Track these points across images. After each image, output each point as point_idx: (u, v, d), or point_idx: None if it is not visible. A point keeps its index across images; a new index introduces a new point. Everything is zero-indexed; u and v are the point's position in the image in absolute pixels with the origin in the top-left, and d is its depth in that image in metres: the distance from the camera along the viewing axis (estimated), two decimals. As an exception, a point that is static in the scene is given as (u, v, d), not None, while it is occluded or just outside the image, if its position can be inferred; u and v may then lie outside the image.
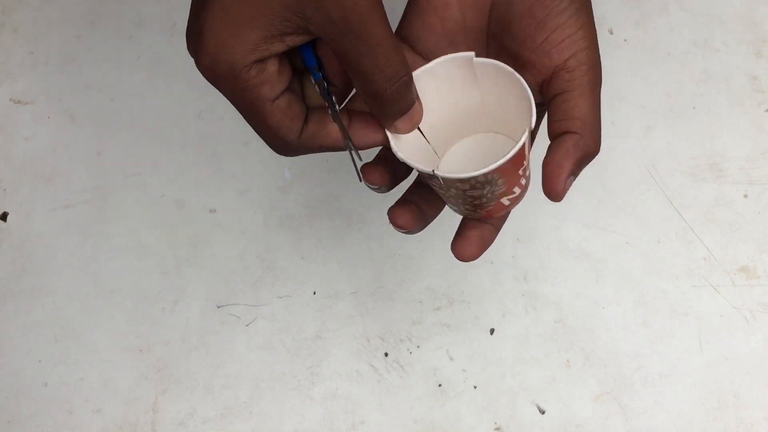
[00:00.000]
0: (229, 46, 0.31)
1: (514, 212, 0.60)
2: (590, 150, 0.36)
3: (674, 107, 0.63)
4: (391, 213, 0.39)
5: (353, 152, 0.36)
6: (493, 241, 0.40)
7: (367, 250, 0.61)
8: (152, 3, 0.67)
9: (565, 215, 0.61)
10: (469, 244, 0.39)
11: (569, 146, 0.35)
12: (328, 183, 0.62)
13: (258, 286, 0.60)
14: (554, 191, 0.35)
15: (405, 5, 0.39)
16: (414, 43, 0.38)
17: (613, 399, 0.58)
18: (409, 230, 0.39)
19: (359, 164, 0.37)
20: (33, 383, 0.59)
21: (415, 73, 0.36)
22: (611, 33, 0.65)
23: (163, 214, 0.62)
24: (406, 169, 0.39)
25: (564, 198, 0.36)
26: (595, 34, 0.36)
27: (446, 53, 0.37)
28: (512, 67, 0.35)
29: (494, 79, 0.36)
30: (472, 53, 0.36)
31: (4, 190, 0.63)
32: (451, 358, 0.59)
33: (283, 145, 0.35)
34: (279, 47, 0.32)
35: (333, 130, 0.35)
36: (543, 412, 0.57)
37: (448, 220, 0.61)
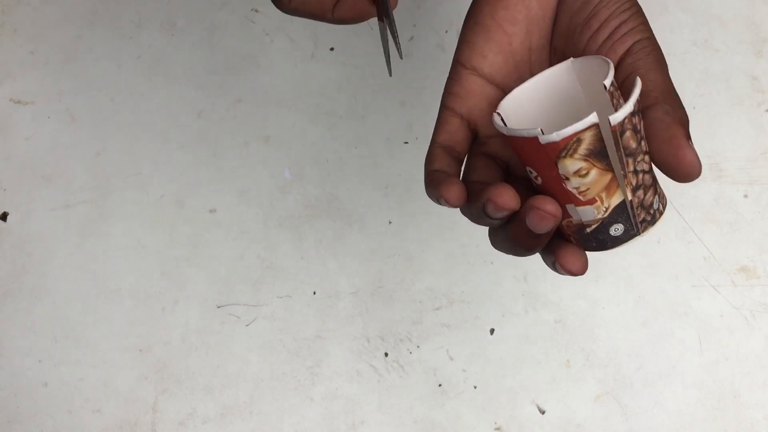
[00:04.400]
0: None
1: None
2: (682, 116, 0.31)
3: (674, 107, 0.63)
4: (494, 193, 0.30)
5: (392, 37, 0.32)
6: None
7: (367, 250, 0.61)
8: (152, 3, 0.67)
9: (565, 215, 0.61)
10: (578, 257, 0.33)
11: (659, 115, 0.30)
12: (328, 183, 0.62)
13: (258, 286, 0.60)
14: (685, 161, 0.29)
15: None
16: (480, 66, 0.36)
17: (613, 399, 0.58)
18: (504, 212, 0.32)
19: (396, 56, 0.33)
20: (33, 383, 0.59)
21: (513, 93, 0.34)
22: (611, 33, 0.65)
23: (163, 214, 0.62)
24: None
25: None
26: (653, 32, 0.34)
27: (512, 75, 0.35)
28: None
29: (595, 74, 0.33)
30: (570, 59, 0.34)
31: (4, 190, 0.63)
32: (451, 358, 0.59)
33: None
34: None
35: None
36: (543, 412, 0.57)
37: (449, 219, 0.62)
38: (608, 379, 0.58)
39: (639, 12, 0.33)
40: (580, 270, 0.32)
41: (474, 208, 0.32)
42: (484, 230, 0.61)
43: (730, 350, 0.58)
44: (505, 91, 0.36)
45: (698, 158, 0.29)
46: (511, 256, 0.60)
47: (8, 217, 0.62)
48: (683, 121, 0.30)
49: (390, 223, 0.61)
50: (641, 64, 0.32)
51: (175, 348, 0.59)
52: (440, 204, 0.33)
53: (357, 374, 0.58)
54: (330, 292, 0.60)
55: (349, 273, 0.60)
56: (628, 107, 0.28)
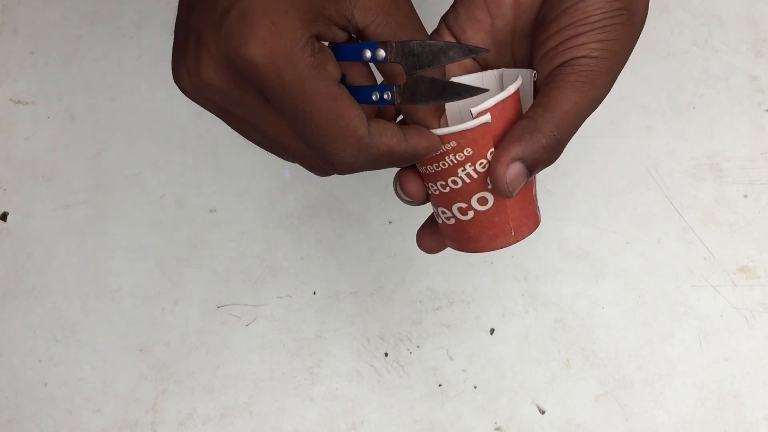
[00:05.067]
0: (284, 22, 0.27)
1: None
2: (535, 142, 0.31)
3: (674, 107, 0.63)
4: (401, 181, 0.35)
5: None
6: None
7: (367, 250, 0.61)
8: (152, 3, 0.67)
9: (565, 215, 0.61)
10: (432, 238, 0.38)
11: (516, 129, 0.32)
12: (328, 183, 0.62)
13: (258, 286, 0.60)
14: (494, 175, 0.32)
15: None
16: (458, 37, 0.36)
17: (613, 399, 0.58)
18: (416, 201, 0.36)
19: None
20: (33, 383, 0.59)
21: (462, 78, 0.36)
22: (611, 33, 0.65)
23: (163, 214, 0.62)
24: None
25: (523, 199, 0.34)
26: (621, 54, 0.33)
27: (492, 54, 0.36)
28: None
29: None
30: (501, 69, 0.36)
31: (4, 190, 0.63)
32: (451, 358, 0.59)
33: (354, 141, 0.29)
34: (327, 28, 0.29)
35: (393, 128, 0.31)
36: (543, 412, 0.57)
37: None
38: (608, 379, 0.58)
39: (611, 26, 0.31)
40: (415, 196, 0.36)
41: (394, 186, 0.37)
42: (484, 230, 0.61)
43: (730, 350, 0.58)
44: (482, 66, 0.37)
45: (507, 182, 0.31)
46: (511, 256, 0.60)
47: (8, 217, 0.62)
48: (527, 148, 0.31)
49: (390, 223, 0.61)
50: (559, 82, 0.32)
51: (175, 348, 0.59)
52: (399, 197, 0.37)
53: (357, 374, 0.58)
54: (330, 292, 0.60)
55: (349, 273, 0.60)
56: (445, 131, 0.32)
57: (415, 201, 0.36)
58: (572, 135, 0.32)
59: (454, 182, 0.33)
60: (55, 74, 0.65)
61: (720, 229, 0.61)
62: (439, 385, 0.58)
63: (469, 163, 0.33)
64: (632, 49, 0.33)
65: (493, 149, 0.32)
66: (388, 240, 0.61)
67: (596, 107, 0.33)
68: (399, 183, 0.35)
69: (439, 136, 0.32)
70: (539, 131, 0.31)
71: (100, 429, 0.58)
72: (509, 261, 0.60)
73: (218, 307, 0.60)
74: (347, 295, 0.60)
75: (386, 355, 0.59)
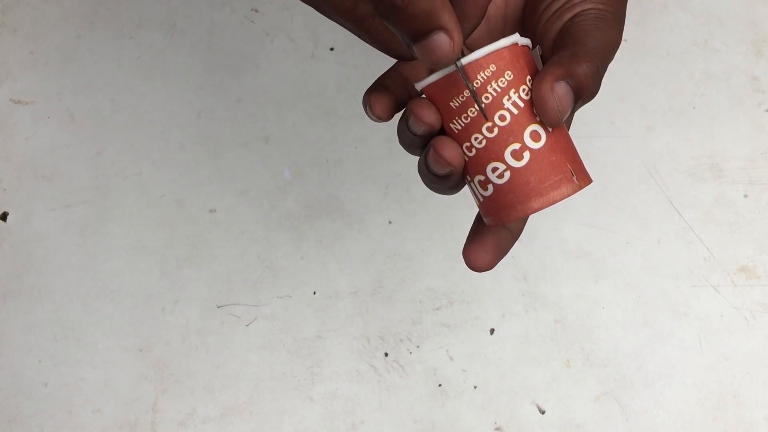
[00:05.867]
0: None
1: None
2: (576, 66, 0.30)
3: (674, 107, 0.63)
4: (437, 147, 0.32)
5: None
6: (509, 250, 0.34)
7: (367, 250, 0.61)
8: (152, 3, 0.67)
9: (565, 215, 0.61)
10: (485, 251, 0.33)
11: (554, 58, 0.31)
12: (328, 183, 0.62)
13: (258, 286, 0.60)
14: (539, 97, 0.30)
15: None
16: None
17: (613, 399, 0.58)
18: (455, 170, 0.33)
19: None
20: (33, 383, 0.59)
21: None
22: (611, 33, 0.65)
23: (163, 214, 0.62)
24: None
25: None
26: (621, 9, 0.33)
27: (484, 39, 0.35)
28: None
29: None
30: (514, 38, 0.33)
31: (4, 190, 0.63)
32: (451, 358, 0.59)
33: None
34: None
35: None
36: (543, 412, 0.57)
37: (449, 219, 0.62)
38: (608, 379, 0.58)
39: None
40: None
41: (400, 126, 0.32)
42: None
43: (730, 350, 0.58)
44: (471, 50, 0.36)
45: (556, 101, 0.29)
46: (511, 256, 0.60)
47: (8, 217, 0.62)
48: (569, 69, 0.30)
49: (390, 223, 0.61)
50: (578, 27, 0.32)
51: (175, 348, 0.59)
52: (367, 113, 0.33)
53: (357, 374, 0.58)
54: (330, 292, 0.60)
55: (349, 273, 0.60)
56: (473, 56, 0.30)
57: (452, 171, 0.31)
58: (605, 68, 0.32)
59: (502, 117, 0.30)
60: (55, 74, 0.65)
61: (720, 229, 0.61)
62: (439, 385, 0.58)
63: (513, 90, 0.30)
64: (626, 5, 0.34)
65: (530, 77, 0.31)
66: (388, 240, 0.61)
67: (615, 51, 0.33)
68: (434, 151, 0.31)
69: (477, 59, 0.30)
70: (577, 57, 0.30)
71: (100, 429, 0.58)
72: (509, 261, 0.60)
73: (218, 307, 0.60)
74: (347, 295, 0.60)
75: (386, 355, 0.59)
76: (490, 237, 0.33)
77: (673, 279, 0.60)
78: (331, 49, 0.65)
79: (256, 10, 0.67)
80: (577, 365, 0.58)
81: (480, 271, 0.33)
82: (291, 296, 0.60)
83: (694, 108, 0.63)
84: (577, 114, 0.63)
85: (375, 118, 0.33)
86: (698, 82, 0.64)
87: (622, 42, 0.64)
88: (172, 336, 0.60)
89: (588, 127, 0.63)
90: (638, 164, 0.62)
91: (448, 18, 0.28)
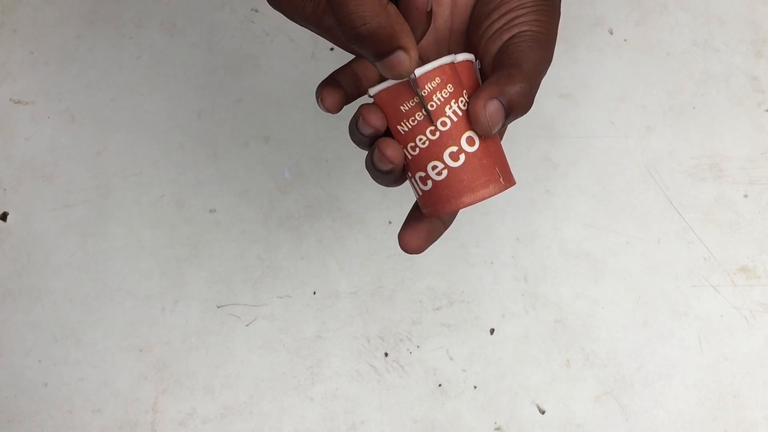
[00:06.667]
0: None
1: (514, 211, 0.60)
2: (509, 86, 0.34)
3: (674, 107, 0.63)
4: (381, 147, 0.36)
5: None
6: (438, 237, 0.39)
7: (367, 250, 0.61)
8: (152, 3, 0.67)
9: (565, 215, 0.61)
10: (418, 237, 0.38)
11: (491, 78, 0.35)
12: (328, 183, 0.62)
13: (258, 286, 0.60)
14: (473, 111, 0.34)
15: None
16: None
17: (613, 399, 0.58)
18: (396, 168, 0.38)
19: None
20: (33, 383, 0.59)
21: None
22: (611, 33, 0.65)
23: (163, 214, 0.62)
24: (358, 93, 0.40)
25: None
26: (553, 32, 0.37)
27: (432, 48, 0.39)
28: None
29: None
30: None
31: (4, 190, 0.63)
32: (451, 358, 0.59)
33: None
34: None
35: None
36: (543, 412, 0.57)
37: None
38: (608, 379, 0.58)
39: (540, 10, 0.36)
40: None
41: (351, 125, 0.37)
42: (485, 230, 0.61)
43: (730, 350, 0.58)
44: (422, 59, 0.40)
45: (486, 117, 0.34)
46: (511, 256, 0.60)
47: (8, 217, 0.62)
48: (503, 89, 0.34)
49: (390, 223, 0.61)
50: (515, 48, 0.36)
51: (175, 348, 0.59)
52: (318, 105, 0.38)
53: (357, 374, 0.58)
54: (330, 292, 0.60)
55: (349, 273, 0.60)
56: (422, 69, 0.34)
57: (394, 168, 0.36)
58: (538, 86, 0.36)
59: (444, 123, 0.35)
60: (55, 74, 0.65)
61: (720, 229, 0.61)
62: (439, 385, 0.58)
63: (453, 100, 0.35)
64: (557, 28, 0.38)
65: (466, 90, 0.35)
66: (388, 240, 0.61)
67: (548, 68, 0.37)
68: (378, 150, 0.36)
69: (426, 71, 0.34)
70: (512, 78, 0.34)
71: (100, 429, 0.58)
72: (509, 261, 0.60)
73: (218, 307, 0.60)
74: (347, 295, 0.60)
75: (386, 355, 0.59)
76: (424, 225, 0.38)
77: (673, 279, 0.60)
78: (331, 49, 0.65)
79: (256, 10, 0.67)
80: (577, 365, 0.58)
81: (411, 253, 0.38)
82: (291, 296, 0.60)
83: (694, 108, 0.63)
84: (577, 114, 0.63)
85: (324, 110, 0.38)
86: (698, 82, 0.64)
87: (623, 42, 0.65)
88: (172, 336, 0.60)
89: (588, 127, 0.63)
90: (638, 164, 0.62)
91: (407, 39, 0.32)
